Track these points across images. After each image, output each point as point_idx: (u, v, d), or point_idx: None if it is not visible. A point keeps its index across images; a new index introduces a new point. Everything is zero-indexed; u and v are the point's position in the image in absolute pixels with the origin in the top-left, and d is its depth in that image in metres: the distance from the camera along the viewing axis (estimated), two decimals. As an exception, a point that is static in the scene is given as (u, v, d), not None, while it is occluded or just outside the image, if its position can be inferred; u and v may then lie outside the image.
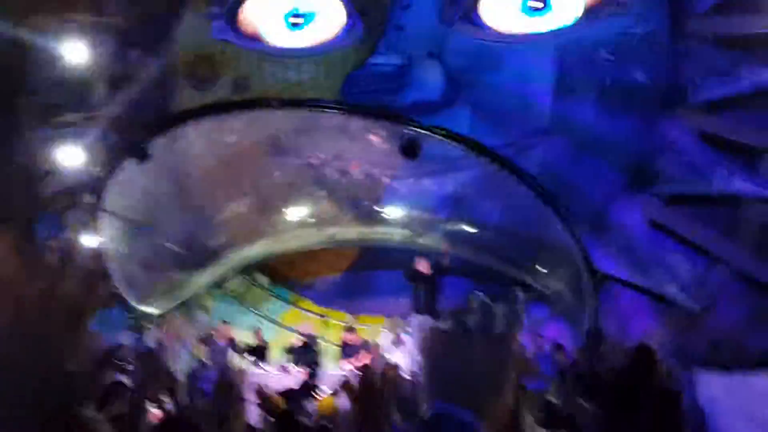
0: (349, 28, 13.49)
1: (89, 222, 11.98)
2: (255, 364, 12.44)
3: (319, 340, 13.94)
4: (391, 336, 13.00)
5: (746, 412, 8.02)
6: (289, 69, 13.57)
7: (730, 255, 12.31)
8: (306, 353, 12.88)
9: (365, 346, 12.45)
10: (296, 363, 12.38)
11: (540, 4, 12.68)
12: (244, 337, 14.09)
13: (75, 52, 12.47)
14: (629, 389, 4.53)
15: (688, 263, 12.52)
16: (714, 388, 8.70)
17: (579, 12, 12.48)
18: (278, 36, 13.83)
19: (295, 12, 13.68)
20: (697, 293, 12.34)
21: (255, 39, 13.81)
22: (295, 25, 13.71)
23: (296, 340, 13.37)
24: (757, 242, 12.24)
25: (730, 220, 12.47)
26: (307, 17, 13.69)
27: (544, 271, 12.17)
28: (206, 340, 13.16)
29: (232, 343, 13.14)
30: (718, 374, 9.47)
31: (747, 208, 12.29)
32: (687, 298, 12.26)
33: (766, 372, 9.18)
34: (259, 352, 13.09)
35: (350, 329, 13.27)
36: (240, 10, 13.79)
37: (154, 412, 10.30)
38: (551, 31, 12.62)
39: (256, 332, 13.77)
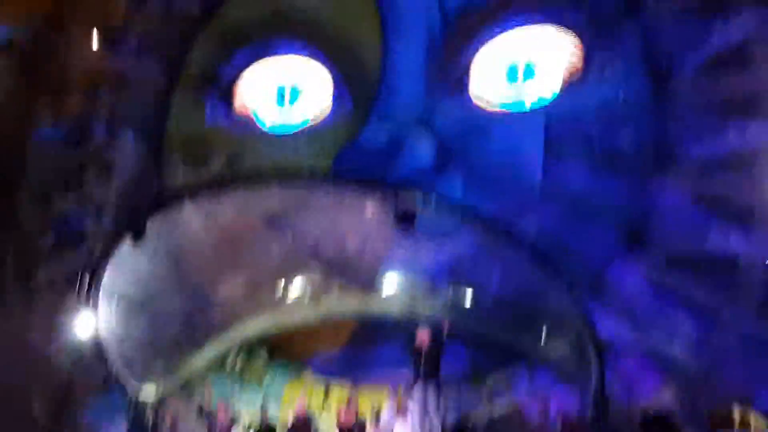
0: (337, 103, 13.72)
1: (87, 305, 11.89)
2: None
3: (316, 416, 13.73)
4: (393, 407, 12.79)
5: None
6: (283, 147, 13.74)
7: (732, 315, 12.27)
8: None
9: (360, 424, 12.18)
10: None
11: (525, 74, 12.99)
12: (247, 415, 13.86)
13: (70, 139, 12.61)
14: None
15: (688, 323, 12.47)
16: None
17: (559, 83, 12.77)
18: (269, 114, 14.08)
19: (282, 90, 13.96)
20: (699, 353, 12.24)
21: (248, 119, 14.05)
22: (284, 102, 13.99)
23: (293, 419, 13.07)
24: (757, 302, 12.22)
25: (730, 280, 12.47)
26: (296, 93, 13.98)
27: (546, 337, 12.06)
28: (208, 421, 12.90)
29: (233, 423, 12.90)
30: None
31: (745, 268, 12.31)
32: (689, 358, 12.16)
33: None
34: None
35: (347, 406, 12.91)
36: (234, 89, 14.05)
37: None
38: (536, 102, 12.86)
39: (263, 412, 13.44)
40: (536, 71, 12.98)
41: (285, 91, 14.06)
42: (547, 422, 11.77)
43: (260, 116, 14.07)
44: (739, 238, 11.99)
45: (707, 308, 12.42)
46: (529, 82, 13.07)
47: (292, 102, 14.06)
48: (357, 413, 12.35)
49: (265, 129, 13.97)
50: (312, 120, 13.87)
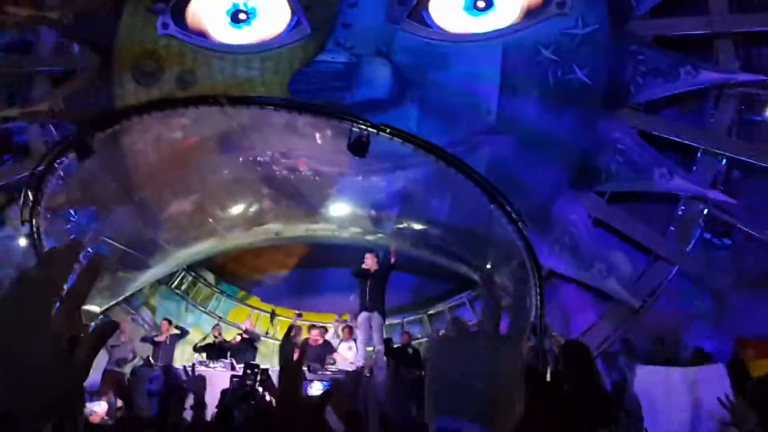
0: (294, 24, 13.46)
1: (29, 218, 11.66)
2: (203, 363, 12.23)
3: (263, 337, 13.94)
4: (336, 331, 13.05)
5: (680, 401, 8.35)
6: (238, 65, 13.46)
7: (669, 252, 12.75)
8: (248, 350, 12.81)
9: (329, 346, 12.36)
10: (237, 360, 12.20)
11: (484, 4, 12.88)
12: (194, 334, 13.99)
13: (15, 46, 12.11)
14: (567, 385, 4.64)
15: (628, 259, 12.91)
16: (652, 380, 9.05)
17: (519, 11, 12.74)
18: (223, 32, 13.72)
19: (236, 7, 13.58)
20: (637, 289, 12.73)
21: (202, 35, 13.66)
22: (239, 21, 13.62)
23: (237, 337, 13.25)
24: (695, 239, 12.72)
25: (669, 217, 12.92)
26: (250, 13, 13.62)
27: (491, 267, 12.33)
28: (151, 339, 12.96)
29: (175, 340, 13.02)
30: (657, 368, 9.87)
31: (685, 206, 12.76)
32: (627, 293, 12.63)
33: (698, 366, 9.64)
34: (217, 348, 12.87)
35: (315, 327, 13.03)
36: (187, 5, 13.61)
37: (97, 411, 10.16)
38: (495, 30, 12.80)
39: (215, 328, 13.54)
40: (495, 2, 12.88)
41: (239, 11, 13.64)
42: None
43: (213, 34, 13.68)
44: (682, 177, 12.36)
45: (645, 244, 12.88)
46: (487, 13, 12.97)
47: (248, 23, 13.69)
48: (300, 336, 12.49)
49: (220, 47, 13.60)
50: (269, 41, 13.53)
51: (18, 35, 15.00)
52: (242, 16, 13.62)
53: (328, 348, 12.14)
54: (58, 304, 1.05)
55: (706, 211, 12.61)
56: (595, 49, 12.58)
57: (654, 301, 12.75)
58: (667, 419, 8.17)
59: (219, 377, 10.91)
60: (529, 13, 12.65)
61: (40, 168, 11.08)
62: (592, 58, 12.57)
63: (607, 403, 4.48)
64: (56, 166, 10.99)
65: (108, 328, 1.14)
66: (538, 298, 11.06)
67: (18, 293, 1.04)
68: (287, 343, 7.75)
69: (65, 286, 1.07)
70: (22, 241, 12.08)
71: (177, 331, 13.14)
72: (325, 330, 12.94)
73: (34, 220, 11.45)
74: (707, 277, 12.42)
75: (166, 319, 13.57)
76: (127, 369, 12.16)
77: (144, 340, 12.95)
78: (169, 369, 11.72)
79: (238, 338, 13.08)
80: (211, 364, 11.93)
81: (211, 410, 7.35)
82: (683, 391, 8.91)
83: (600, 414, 4.28)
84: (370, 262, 11.90)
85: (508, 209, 10.44)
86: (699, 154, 12.74)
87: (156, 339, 12.72)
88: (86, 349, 1.06)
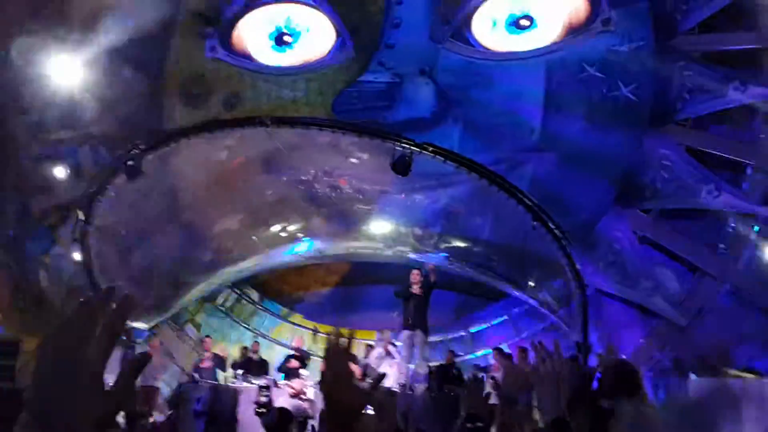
0: (339, 46, 13.62)
1: (80, 237, 11.93)
2: (245, 378, 12.33)
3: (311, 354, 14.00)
4: (380, 349, 13.05)
5: (732, 413, 8.16)
6: (283, 87, 13.66)
7: (716, 270, 12.51)
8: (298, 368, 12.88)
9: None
10: (288, 378, 12.31)
11: (527, 23, 12.88)
12: (235, 351, 14.14)
13: (67, 70, 12.45)
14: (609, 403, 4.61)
15: (675, 277, 12.70)
16: (703, 391, 8.84)
17: (562, 29, 12.71)
18: (267, 55, 13.95)
19: (279, 30, 13.80)
20: (684, 307, 12.52)
21: (247, 58, 13.91)
22: (283, 44, 13.83)
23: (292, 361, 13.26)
24: (744, 257, 12.45)
25: (717, 234, 12.68)
26: (295, 35, 13.82)
27: (534, 285, 12.26)
28: (197, 352, 13.12)
29: (218, 359, 13.14)
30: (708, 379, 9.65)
31: (734, 223, 12.51)
32: (674, 311, 12.43)
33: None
34: (257, 365, 12.97)
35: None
36: (233, 30, 13.87)
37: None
38: (538, 48, 12.79)
39: (253, 344, 13.68)
40: (538, 21, 12.87)
41: (283, 33, 13.87)
42: (527, 366, 12.02)
43: (257, 57, 13.92)
44: (729, 193, 12.14)
45: (693, 263, 12.66)
46: (530, 31, 12.97)
47: (291, 46, 13.91)
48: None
49: (266, 69, 13.82)
50: (313, 62, 13.72)
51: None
52: (287, 38, 13.83)
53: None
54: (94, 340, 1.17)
55: (756, 228, 12.36)
56: (641, 65, 12.47)
57: (701, 320, 12.51)
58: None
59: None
60: (573, 31, 12.62)
61: (91, 188, 11.36)
62: (637, 75, 12.47)
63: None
64: (107, 186, 11.24)
65: (139, 362, 1.26)
66: (582, 316, 10.95)
67: (59, 334, 1.19)
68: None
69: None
70: (74, 260, 12.32)
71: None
72: (371, 347, 13.02)
73: (84, 240, 11.72)
74: (758, 296, 12.15)
75: (208, 336, 13.73)
76: (159, 383, 12.27)
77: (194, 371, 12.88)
78: (216, 388, 11.81)
79: (293, 362, 13.02)
80: (253, 381, 12.04)
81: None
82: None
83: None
84: (416, 279, 11.92)
85: (551, 226, 10.38)
86: (748, 171, 12.51)
87: (202, 365, 12.77)
88: (122, 387, 1.20)
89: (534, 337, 13.96)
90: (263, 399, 10.44)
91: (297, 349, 13.15)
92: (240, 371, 12.71)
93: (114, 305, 1.23)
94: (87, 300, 1.24)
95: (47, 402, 1.13)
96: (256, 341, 13.94)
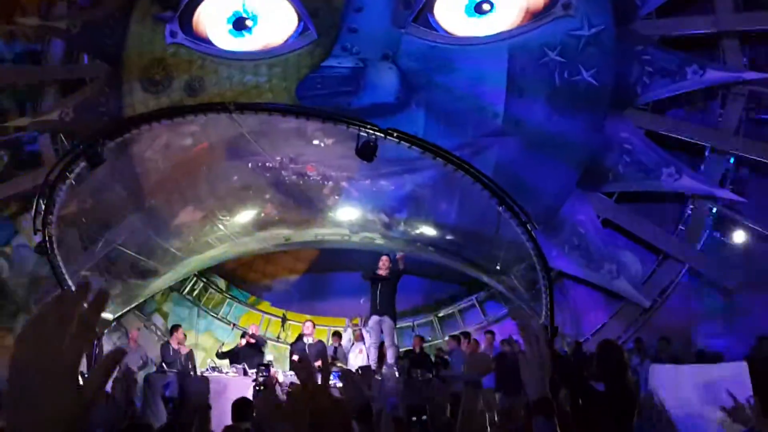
0: (300, 31, 13.55)
1: (41, 227, 11.74)
2: (216, 368, 12.22)
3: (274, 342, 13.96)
4: (349, 335, 13.08)
5: (693, 400, 8.33)
6: (245, 72, 13.55)
7: (678, 251, 12.75)
8: (255, 355, 12.73)
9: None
10: (247, 364, 12.19)
11: (488, 7, 12.94)
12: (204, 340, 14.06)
13: (25, 56, 12.22)
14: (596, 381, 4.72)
15: (638, 259, 12.92)
16: (665, 379, 9.01)
17: (523, 13, 12.80)
18: (224, 40, 13.84)
19: (237, 15, 13.70)
20: (647, 288, 12.74)
21: (209, 42, 13.78)
22: (241, 28, 13.74)
23: (242, 341, 13.09)
24: (704, 238, 12.72)
25: (679, 217, 12.92)
26: (254, 20, 13.74)
27: (500, 269, 12.35)
28: (164, 345, 12.96)
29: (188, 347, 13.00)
30: (669, 366, 9.83)
31: (694, 205, 12.76)
32: (638, 293, 12.64)
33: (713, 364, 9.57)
34: (235, 354, 12.81)
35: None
36: (194, 14, 13.71)
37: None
38: (500, 33, 12.85)
39: (244, 336, 13.39)
40: (497, 5, 12.95)
41: (242, 18, 13.77)
42: (491, 351, 12.20)
43: (216, 42, 13.80)
44: (690, 176, 12.37)
45: (654, 245, 12.89)
46: (490, 15, 13.04)
47: (250, 30, 13.81)
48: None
49: (228, 54, 13.70)
50: (276, 47, 13.64)
51: (27, 45, 15.15)
52: (248, 23, 13.74)
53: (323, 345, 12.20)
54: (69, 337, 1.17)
55: (714, 210, 12.62)
56: (601, 49, 12.61)
57: (664, 301, 12.76)
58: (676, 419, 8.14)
59: (232, 382, 11.03)
60: (534, 15, 12.70)
61: (51, 177, 11.16)
62: (598, 59, 12.60)
63: (632, 401, 4.58)
64: (67, 175, 11.05)
65: (113, 358, 1.26)
66: (548, 299, 11.07)
67: (35, 329, 1.18)
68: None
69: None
70: (35, 250, 12.13)
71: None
72: (339, 335, 13.04)
73: (46, 229, 11.53)
74: (717, 276, 12.42)
75: (178, 325, 13.57)
76: (139, 376, 12.16)
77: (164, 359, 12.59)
78: (183, 376, 11.72)
79: (243, 342, 12.95)
80: (224, 370, 11.97)
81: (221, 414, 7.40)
82: (696, 389, 8.82)
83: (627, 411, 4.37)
84: (385, 265, 11.94)
85: (516, 211, 10.46)
86: (707, 153, 12.76)
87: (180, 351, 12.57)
88: (95, 383, 1.19)
89: (501, 321, 14.15)
90: (260, 378, 10.57)
91: (253, 335, 12.98)
92: (224, 360, 12.55)
93: (89, 300, 1.23)
94: (62, 294, 1.25)
95: (22, 395, 1.13)
96: (245, 334, 13.49)
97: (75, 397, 1.16)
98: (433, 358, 12.47)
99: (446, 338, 13.77)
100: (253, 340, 12.75)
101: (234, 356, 12.61)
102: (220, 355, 12.82)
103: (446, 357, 12.42)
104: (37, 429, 1.12)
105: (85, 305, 1.22)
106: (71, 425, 1.14)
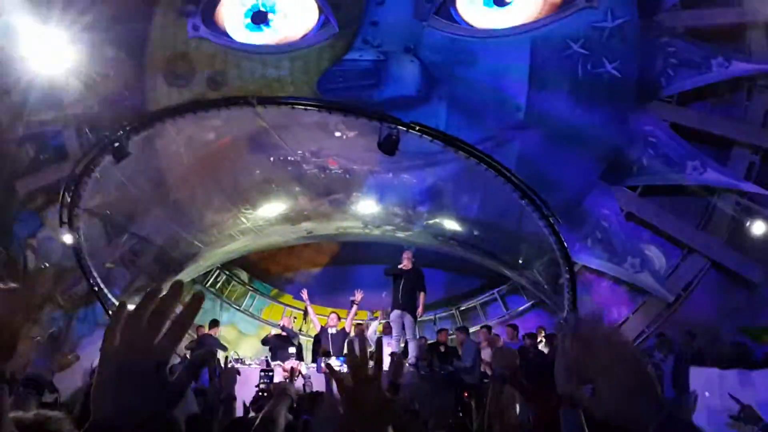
0: (321, 25, 13.57)
1: (67, 220, 11.87)
2: (239, 360, 12.32)
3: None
4: (374, 328, 13.12)
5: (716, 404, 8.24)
6: (267, 66, 13.60)
7: (703, 245, 12.62)
8: (284, 348, 12.80)
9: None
10: (274, 356, 12.29)
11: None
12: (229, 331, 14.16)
13: (48, 50, 12.32)
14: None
15: (662, 253, 12.81)
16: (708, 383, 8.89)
17: (545, 5, 12.73)
18: (242, 34, 13.91)
19: (256, 8, 13.75)
20: (671, 283, 12.63)
21: (230, 36, 13.86)
22: (260, 22, 13.80)
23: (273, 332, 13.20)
24: (729, 232, 12.56)
25: (703, 210, 12.78)
26: (271, 14, 13.81)
27: (523, 262, 12.31)
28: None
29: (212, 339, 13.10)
30: (712, 370, 9.71)
31: (719, 199, 12.61)
32: (661, 287, 12.54)
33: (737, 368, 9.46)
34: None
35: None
36: (217, 8, 13.78)
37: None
38: (522, 25, 12.79)
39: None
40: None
41: (261, 11, 13.82)
42: (515, 343, 12.15)
43: (235, 36, 13.87)
44: (715, 170, 12.23)
45: (678, 238, 12.77)
46: (511, 6, 12.99)
47: (268, 24, 13.86)
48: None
49: (250, 48, 13.77)
50: (298, 41, 13.68)
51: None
52: (267, 16, 13.80)
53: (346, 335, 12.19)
54: (163, 332, 1.23)
55: (740, 203, 12.47)
56: (625, 41, 12.50)
57: (688, 295, 12.64)
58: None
59: (254, 374, 11.10)
60: (554, 7, 12.62)
61: (76, 170, 11.27)
62: (621, 51, 12.50)
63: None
64: (92, 168, 11.16)
65: (204, 358, 1.30)
66: (571, 293, 11.02)
67: (128, 323, 1.25)
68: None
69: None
70: (62, 241, 12.27)
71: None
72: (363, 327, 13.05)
73: (72, 222, 11.66)
74: (742, 270, 12.27)
75: (216, 320, 13.65)
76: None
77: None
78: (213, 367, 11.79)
79: (272, 332, 13.07)
80: (247, 362, 12.06)
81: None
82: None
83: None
84: (407, 261, 11.94)
85: (539, 204, 10.40)
86: (732, 146, 12.60)
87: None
88: (182, 378, 1.26)
89: (523, 314, 14.10)
90: (263, 385, 10.45)
91: (284, 327, 13.07)
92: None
93: (184, 302, 1.28)
94: (153, 290, 1.30)
95: (110, 386, 1.19)
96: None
97: (161, 393, 1.21)
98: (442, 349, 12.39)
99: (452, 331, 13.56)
100: (284, 333, 12.83)
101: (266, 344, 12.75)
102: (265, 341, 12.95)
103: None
104: (122, 420, 1.17)
105: (180, 307, 1.27)
106: (153, 415, 1.20)
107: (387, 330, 12.55)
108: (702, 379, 9.16)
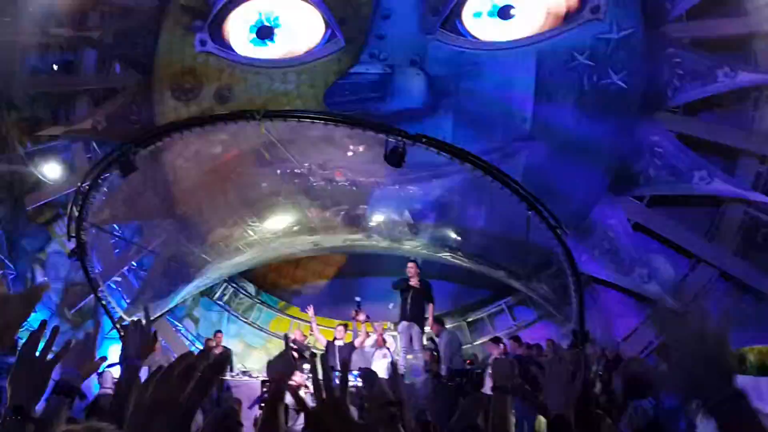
0: (327, 39, 13.64)
1: (75, 234, 11.91)
2: (246, 373, 12.28)
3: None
4: (372, 341, 13.05)
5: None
6: (274, 79, 13.68)
7: (711, 255, 12.57)
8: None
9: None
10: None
11: (514, 11, 12.94)
12: (233, 345, 14.13)
13: (58, 66, 12.44)
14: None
15: (670, 263, 12.76)
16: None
17: (550, 17, 12.76)
18: (247, 49, 14.00)
19: (261, 23, 13.84)
20: (679, 293, 12.57)
21: (233, 51, 13.96)
22: (265, 37, 13.88)
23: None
24: (737, 242, 12.51)
25: (711, 221, 12.74)
26: (276, 28, 13.90)
27: (530, 274, 12.28)
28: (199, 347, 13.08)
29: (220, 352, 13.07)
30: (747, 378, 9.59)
31: (727, 209, 12.57)
32: (670, 297, 12.48)
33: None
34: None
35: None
36: (224, 23, 13.88)
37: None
38: (528, 37, 12.83)
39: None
40: (523, 10, 12.94)
41: (266, 26, 13.91)
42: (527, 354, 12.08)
43: (239, 51, 13.96)
44: (722, 180, 12.21)
45: (686, 248, 12.72)
46: (517, 19, 13.04)
47: (272, 39, 13.95)
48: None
49: (257, 62, 13.85)
50: (304, 54, 13.76)
51: (61, 55, 15.43)
52: (272, 31, 13.89)
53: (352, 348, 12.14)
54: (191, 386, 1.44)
55: (747, 213, 12.42)
56: (631, 53, 12.53)
57: (697, 306, 12.56)
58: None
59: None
60: (558, 18, 12.66)
61: (84, 184, 11.32)
62: (627, 62, 12.52)
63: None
64: (100, 182, 11.21)
65: (220, 362, 1.50)
66: (578, 304, 10.98)
67: (161, 378, 1.46)
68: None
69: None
70: (69, 255, 12.31)
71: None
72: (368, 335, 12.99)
73: (79, 235, 11.70)
74: (750, 280, 12.22)
75: (219, 331, 13.61)
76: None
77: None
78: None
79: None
80: (254, 374, 12.01)
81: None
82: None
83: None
84: (412, 271, 11.91)
85: (546, 216, 10.39)
86: (739, 156, 12.57)
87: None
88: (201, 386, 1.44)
89: (530, 325, 14.05)
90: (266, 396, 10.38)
91: (294, 341, 13.04)
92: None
93: (211, 361, 1.48)
94: (187, 354, 1.51)
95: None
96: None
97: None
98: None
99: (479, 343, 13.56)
100: (295, 346, 12.77)
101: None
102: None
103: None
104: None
105: (208, 365, 1.45)
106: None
107: (382, 343, 12.49)
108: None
